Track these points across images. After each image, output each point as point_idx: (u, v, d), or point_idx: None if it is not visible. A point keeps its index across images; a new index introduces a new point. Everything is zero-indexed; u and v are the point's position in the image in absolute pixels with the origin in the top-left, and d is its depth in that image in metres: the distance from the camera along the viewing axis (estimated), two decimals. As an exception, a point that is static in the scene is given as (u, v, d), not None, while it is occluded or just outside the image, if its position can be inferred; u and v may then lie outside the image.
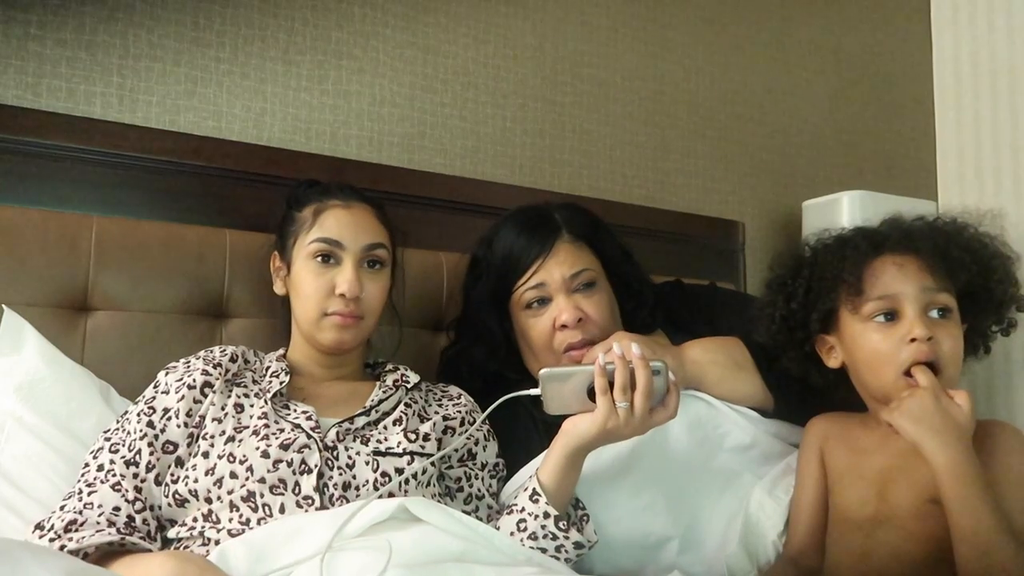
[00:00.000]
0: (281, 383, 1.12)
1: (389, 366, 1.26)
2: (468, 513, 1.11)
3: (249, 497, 0.99)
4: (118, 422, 1.09)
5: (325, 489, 1.01)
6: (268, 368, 1.17)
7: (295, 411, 1.09)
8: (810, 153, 2.37)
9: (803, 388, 1.23)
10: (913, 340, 1.05)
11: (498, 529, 1.05)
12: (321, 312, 1.16)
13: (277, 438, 1.03)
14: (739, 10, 2.26)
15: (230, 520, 0.98)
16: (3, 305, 1.21)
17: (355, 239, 1.18)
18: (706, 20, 2.20)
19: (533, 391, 1.05)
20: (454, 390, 1.27)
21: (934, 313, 1.07)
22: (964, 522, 0.95)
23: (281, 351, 1.23)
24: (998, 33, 2.49)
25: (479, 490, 1.16)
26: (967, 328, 1.11)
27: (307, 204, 1.22)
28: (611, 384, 1.02)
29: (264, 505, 0.99)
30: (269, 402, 1.08)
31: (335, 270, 1.17)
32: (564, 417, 1.07)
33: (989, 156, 2.49)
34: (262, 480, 0.99)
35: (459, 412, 1.20)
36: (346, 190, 1.24)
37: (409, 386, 1.20)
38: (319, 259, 1.17)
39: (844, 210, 2.10)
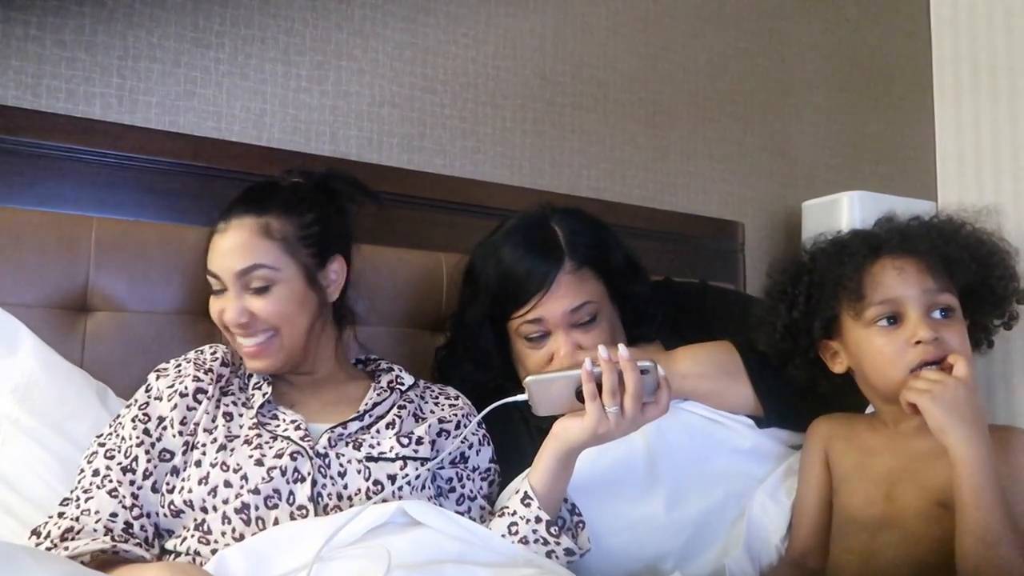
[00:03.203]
0: (264, 395, 1.11)
1: (383, 364, 1.25)
2: (460, 514, 1.09)
3: (243, 509, 0.98)
4: (111, 426, 1.08)
5: (319, 499, 1.00)
6: (251, 377, 1.15)
7: (284, 420, 1.07)
8: (810, 153, 2.37)
9: (800, 391, 1.22)
10: (918, 343, 1.04)
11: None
12: (236, 342, 1.13)
13: (271, 447, 1.02)
14: (739, 10, 2.26)
15: (223, 534, 0.97)
16: (-1, 306, 1.21)
17: (227, 269, 1.10)
18: (706, 20, 2.20)
19: (520, 397, 1.04)
20: (452, 391, 1.26)
21: (937, 314, 1.07)
22: (976, 515, 0.95)
23: None
24: (998, 33, 2.49)
25: (471, 491, 1.15)
26: (969, 324, 1.11)
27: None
28: (599, 387, 1.01)
29: (258, 519, 0.97)
30: (257, 413, 1.07)
31: (224, 299, 1.12)
32: (555, 419, 1.06)
33: (989, 156, 2.48)
34: (256, 491, 0.98)
35: (455, 415, 1.19)
36: (235, 207, 1.13)
37: (404, 388, 1.19)
38: (213, 293, 1.14)
39: (844, 210, 2.10)
